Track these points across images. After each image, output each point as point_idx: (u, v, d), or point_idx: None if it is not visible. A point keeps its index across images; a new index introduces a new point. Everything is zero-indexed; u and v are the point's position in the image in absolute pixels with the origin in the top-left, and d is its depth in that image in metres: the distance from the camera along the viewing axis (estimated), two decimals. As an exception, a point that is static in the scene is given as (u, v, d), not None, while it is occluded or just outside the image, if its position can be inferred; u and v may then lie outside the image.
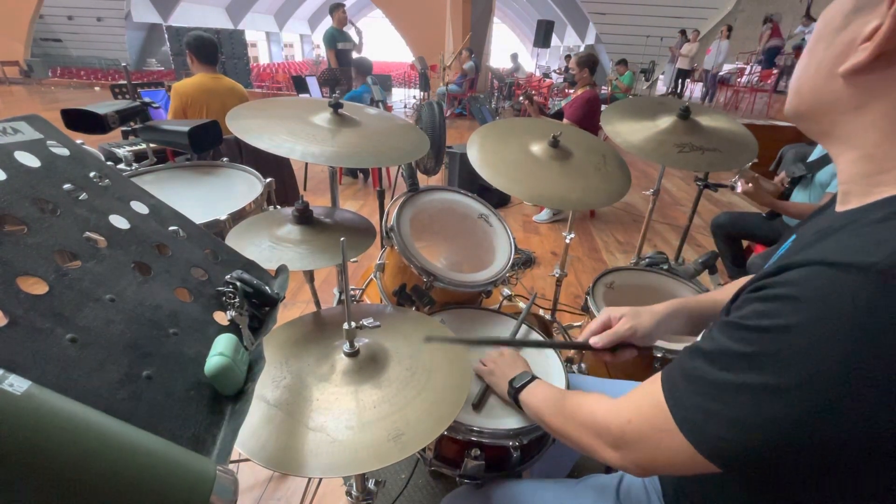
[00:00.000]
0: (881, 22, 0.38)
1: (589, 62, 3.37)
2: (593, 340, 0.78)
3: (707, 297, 0.81)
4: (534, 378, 0.80)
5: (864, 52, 0.39)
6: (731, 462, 0.41)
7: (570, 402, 0.65)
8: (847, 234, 0.40)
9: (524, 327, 1.10)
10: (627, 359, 0.78)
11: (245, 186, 1.40)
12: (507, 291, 1.39)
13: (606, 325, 0.80)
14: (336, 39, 4.96)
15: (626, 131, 1.40)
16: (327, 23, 5.13)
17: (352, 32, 5.25)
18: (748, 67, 9.17)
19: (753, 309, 0.40)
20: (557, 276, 1.63)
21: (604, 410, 0.56)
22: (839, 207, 0.47)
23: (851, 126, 0.43)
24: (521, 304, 1.72)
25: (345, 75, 4.91)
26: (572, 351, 1.21)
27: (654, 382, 0.50)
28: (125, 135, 1.38)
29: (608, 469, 1.05)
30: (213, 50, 2.56)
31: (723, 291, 0.81)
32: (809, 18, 8.26)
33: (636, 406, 0.52)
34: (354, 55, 5.00)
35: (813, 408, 0.36)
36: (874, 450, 0.35)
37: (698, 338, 0.79)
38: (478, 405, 0.87)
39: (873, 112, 0.41)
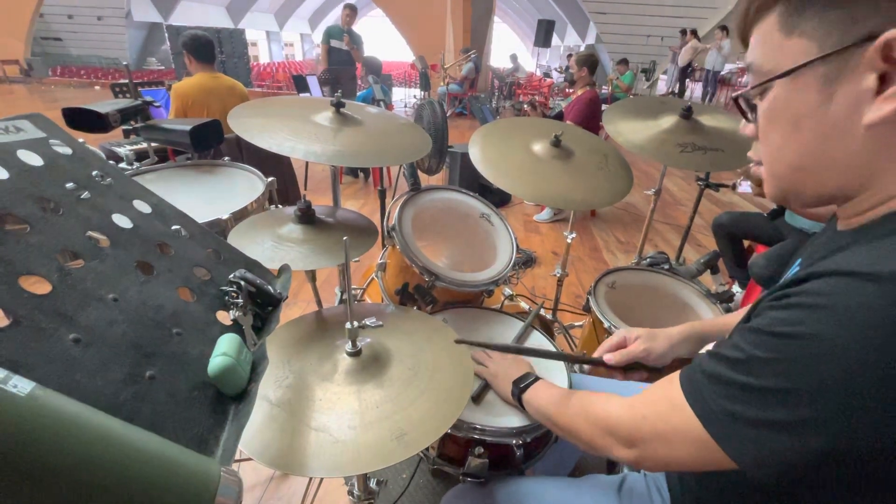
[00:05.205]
0: (884, 71, 0.38)
1: (588, 61, 3.35)
2: (607, 357, 0.81)
3: (720, 320, 0.84)
4: (537, 378, 0.80)
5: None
6: (758, 464, 0.41)
7: (579, 401, 0.65)
8: (858, 248, 0.41)
9: (529, 330, 1.09)
10: (638, 380, 0.81)
11: (247, 185, 1.40)
12: (508, 291, 1.39)
13: (621, 345, 0.82)
14: (332, 36, 4.89)
15: (628, 131, 1.39)
16: (328, 22, 5.09)
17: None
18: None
19: (774, 316, 0.41)
20: (558, 275, 1.63)
21: (616, 408, 0.57)
22: (841, 227, 0.48)
23: (872, 171, 0.42)
24: (523, 304, 1.72)
25: (332, 74, 4.88)
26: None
27: (672, 382, 0.50)
28: (126, 134, 1.38)
29: (609, 470, 1.05)
30: (211, 49, 2.54)
31: (735, 315, 0.84)
32: (724, 30, 8.33)
33: (653, 404, 0.52)
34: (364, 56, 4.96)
35: (834, 413, 0.36)
36: None
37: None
38: (477, 398, 0.88)
39: (893, 148, 0.41)
